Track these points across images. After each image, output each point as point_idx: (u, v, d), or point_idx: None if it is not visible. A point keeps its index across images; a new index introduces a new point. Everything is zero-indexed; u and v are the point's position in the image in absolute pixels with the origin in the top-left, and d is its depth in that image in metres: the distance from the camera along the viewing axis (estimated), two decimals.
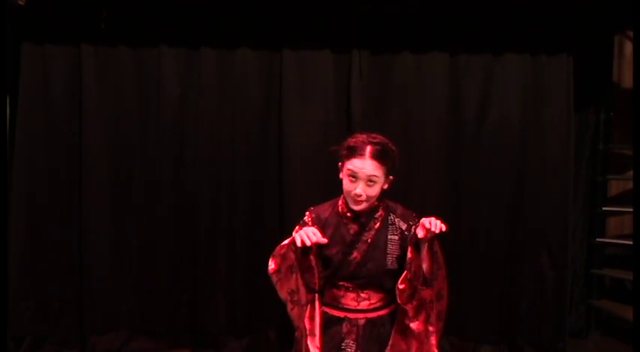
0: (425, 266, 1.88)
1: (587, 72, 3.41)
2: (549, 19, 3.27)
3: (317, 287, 1.92)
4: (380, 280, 1.95)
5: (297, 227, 1.98)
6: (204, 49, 3.31)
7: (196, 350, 3.40)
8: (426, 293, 1.90)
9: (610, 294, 3.68)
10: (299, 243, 1.75)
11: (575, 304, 3.60)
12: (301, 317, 1.94)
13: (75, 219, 3.34)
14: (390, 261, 1.94)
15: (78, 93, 3.30)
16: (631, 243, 3.23)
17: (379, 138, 1.93)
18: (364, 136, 1.92)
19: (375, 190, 1.90)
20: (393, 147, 1.96)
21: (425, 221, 1.77)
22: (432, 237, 1.83)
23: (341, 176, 1.96)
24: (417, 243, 1.87)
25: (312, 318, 1.96)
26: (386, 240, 1.96)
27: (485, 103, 3.33)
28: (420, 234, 1.81)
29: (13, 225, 3.24)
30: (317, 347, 1.95)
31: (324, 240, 1.81)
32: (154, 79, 3.33)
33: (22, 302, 3.28)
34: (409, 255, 1.88)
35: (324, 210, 2.03)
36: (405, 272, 1.87)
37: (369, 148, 1.88)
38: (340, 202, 2.01)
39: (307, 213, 2.03)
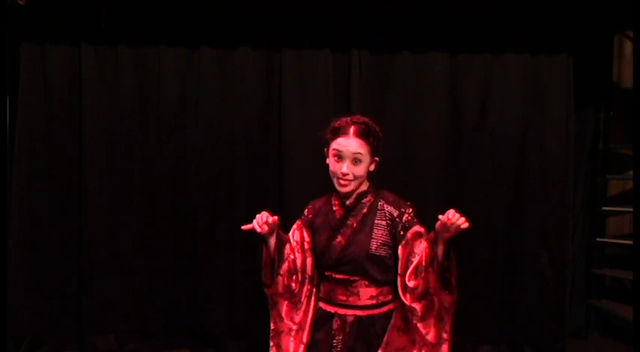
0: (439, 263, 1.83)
1: (587, 72, 3.41)
2: (549, 19, 3.27)
3: (268, 282, 1.93)
4: (365, 267, 1.90)
5: (297, 220, 2.03)
6: (204, 49, 3.31)
7: (196, 350, 3.40)
8: (447, 299, 1.87)
9: (610, 294, 3.69)
10: (258, 229, 1.82)
11: (575, 304, 3.60)
12: (275, 310, 1.99)
13: (75, 218, 3.34)
14: (375, 246, 1.90)
15: (78, 93, 3.30)
16: (631, 242, 3.24)
17: (363, 118, 1.95)
18: (348, 118, 1.95)
19: (360, 169, 1.90)
20: (377, 128, 1.96)
21: (442, 217, 1.73)
22: (450, 237, 1.79)
23: (327, 161, 1.96)
24: (434, 240, 1.83)
25: (306, 312, 1.97)
26: (372, 224, 1.92)
27: (485, 103, 3.33)
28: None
29: (13, 225, 3.24)
30: (302, 343, 1.95)
31: (274, 218, 1.85)
32: (154, 79, 3.33)
33: (22, 302, 3.28)
34: (403, 241, 1.86)
35: (321, 200, 2.06)
36: (414, 265, 1.84)
37: (352, 127, 1.90)
38: (334, 194, 2.02)
39: (307, 206, 2.07)
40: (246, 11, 3.28)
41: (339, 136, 1.90)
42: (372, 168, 1.94)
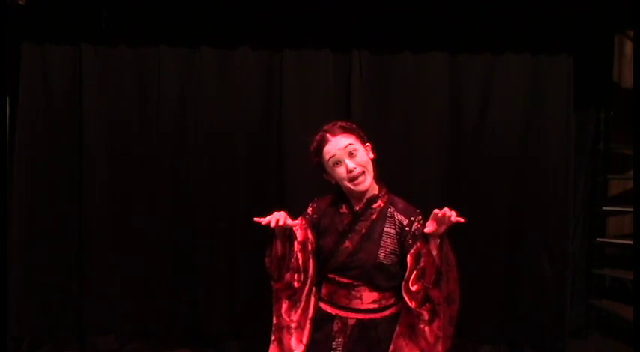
0: (435, 265, 1.84)
1: (587, 72, 3.41)
2: (549, 19, 3.27)
3: (275, 275, 1.93)
4: (371, 274, 1.90)
5: (299, 218, 2.01)
6: (204, 49, 3.31)
7: (196, 350, 3.40)
8: (435, 294, 1.86)
9: (610, 294, 3.68)
10: (272, 224, 1.79)
11: (575, 304, 3.59)
12: (277, 304, 1.99)
13: (75, 218, 3.34)
14: (383, 255, 1.89)
15: (78, 93, 3.30)
16: (631, 242, 3.23)
17: (328, 124, 1.97)
18: (318, 134, 1.96)
19: (362, 157, 1.90)
20: (346, 122, 1.99)
21: (437, 211, 1.74)
22: (442, 234, 1.81)
23: (331, 177, 1.96)
24: (426, 240, 1.84)
25: (304, 311, 1.97)
26: (381, 232, 1.91)
27: (485, 103, 3.33)
28: (429, 228, 1.78)
29: (13, 224, 3.24)
30: (302, 342, 1.94)
31: (294, 223, 1.85)
32: (154, 79, 3.33)
33: (22, 302, 3.28)
34: (412, 250, 1.85)
35: (325, 200, 2.04)
36: (415, 272, 1.83)
37: (328, 133, 1.93)
38: (341, 198, 2.01)
39: (310, 204, 2.05)
40: (246, 11, 3.28)
41: (323, 148, 1.92)
42: (370, 155, 1.94)
